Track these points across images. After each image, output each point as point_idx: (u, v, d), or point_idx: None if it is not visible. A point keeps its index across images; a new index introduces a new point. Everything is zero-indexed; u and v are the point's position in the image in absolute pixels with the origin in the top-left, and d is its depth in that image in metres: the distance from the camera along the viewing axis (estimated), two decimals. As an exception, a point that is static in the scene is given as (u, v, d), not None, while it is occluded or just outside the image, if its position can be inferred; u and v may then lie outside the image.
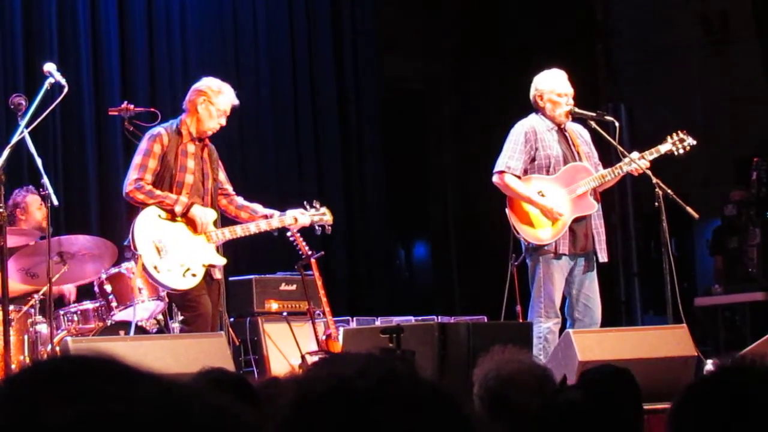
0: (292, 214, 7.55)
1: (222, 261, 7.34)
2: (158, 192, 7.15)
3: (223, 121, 7.37)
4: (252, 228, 7.45)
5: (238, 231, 7.40)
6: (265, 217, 7.53)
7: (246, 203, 7.61)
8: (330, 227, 7.74)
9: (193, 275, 7.17)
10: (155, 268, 7.11)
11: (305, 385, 1.46)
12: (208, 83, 7.40)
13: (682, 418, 1.93)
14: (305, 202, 7.75)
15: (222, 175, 7.56)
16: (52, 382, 1.16)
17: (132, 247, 7.23)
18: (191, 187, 7.26)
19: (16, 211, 8.39)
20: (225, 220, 7.59)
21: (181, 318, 7.41)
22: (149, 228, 7.16)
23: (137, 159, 7.24)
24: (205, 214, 7.21)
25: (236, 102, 7.42)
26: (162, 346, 6.45)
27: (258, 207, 7.60)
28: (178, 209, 7.13)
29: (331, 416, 1.41)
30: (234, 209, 7.55)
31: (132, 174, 7.20)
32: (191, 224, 7.25)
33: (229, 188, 7.61)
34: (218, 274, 7.39)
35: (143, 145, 7.26)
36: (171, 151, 7.21)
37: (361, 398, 1.41)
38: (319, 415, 1.41)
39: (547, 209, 7.57)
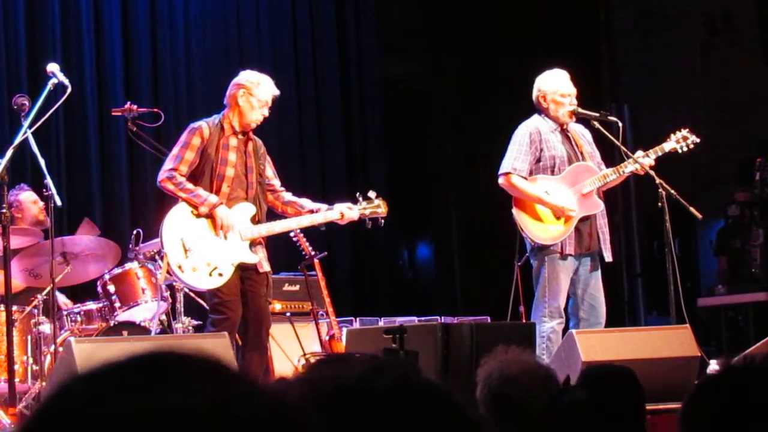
0: (339, 208, 7.46)
1: (254, 258, 7.20)
2: (190, 186, 7.07)
3: (266, 112, 7.30)
4: (292, 224, 7.38)
5: (276, 228, 7.30)
6: (311, 212, 7.45)
7: (293, 198, 7.52)
8: (383, 220, 7.56)
9: (220, 274, 7.07)
10: (179, 267, 7.05)
11: (318, 385, 1.46)
12: (247, 76, 7.35)
13: (693, 416, 1.93)
14: (358, 194, 7.57)
15: (269, 171, 7.48)
16: (125, 373, 1.16)
17: (160, 245, 7.20)
18: (233, 180, 7.18)
19: (11, 211, 8.39)
20: (270, 215, 7.50)
21: (209, 319, 7.32)
22: (178, 225, 7.09)
23: (175, 150, 7.18)
24: (228, 216, 7.10)
25: (277, 92, 7.34)
26: (164, 346, 6.44)
27: (306, 202, 7.50)
28: (203, 210, 7.07)
29: (343, 416, 1.41)
30: (281, 204, 7.48)
31: (168, 164, 7.14)
32: None
33: (277, 183, 7.52)
34: (266, 267, 7.28)
35: (183, 137, 7.20)
36: (212, 144, 7.15)
37: (376, 400, 1.41)
38: (331, 414, 1.41)
39: (558, 207, 7.57)
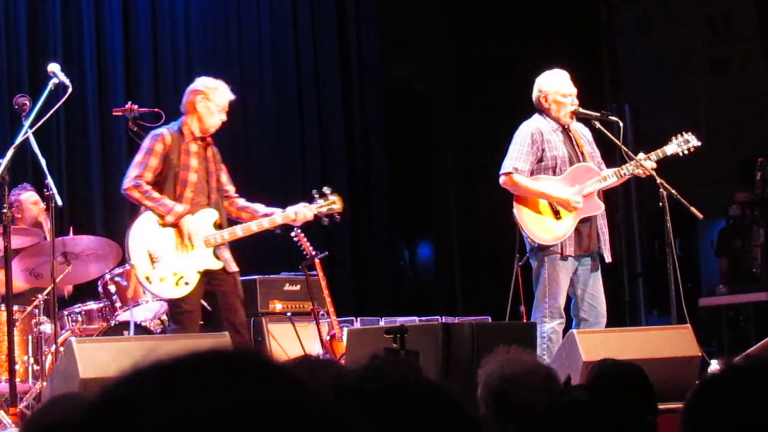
0: (292, 209, 7.51)
1: (218, 264, 7.26)
2: (156, 195, 7.13)
3: (224, 117, 7.38)
4: (253, 227, 7.42)
5: (239, 232, 7.36)
6: (267, 216, 7.50)
7: (247, 204, 7.59)
8: (339, 215, 7.61)
9: (186, 283, 7.15)
10: (147, 278, 7.12)
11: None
12: (204, 82, 7.45)
13: (695, 416, 1.93)
14: (314, 191, 7.62)
15: (224, 177, 7.55)
16: (199, 371, 1.16)
17: (126, 257, 7.24)
18: (195, 186, 7.25)
19: (11, 211, 8.39)
20: (230, 221, 7.56)
21: (169, 327, 7.39)
22: (144, 236, 7.16)
23: (138, 157, 7.25)
24: (195, 227, 7.17)
25: (232, 97, 7.45)
26: (166, 347, 6.44)
27: (260, 207, 7.57)
28: (169, 219, 7.13)
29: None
30: (235, 210, 7.53)
31: (132, 171, 7.21)
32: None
33: (231, 190, 7.59)
34: (234, 267, 7.33)
35: (145, 144, 7.27)
36: (174, 150, 7.21)
37: (371, 399, 1.41)
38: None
39: (563, 200, 7.55)
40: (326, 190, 7.62)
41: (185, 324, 7.15)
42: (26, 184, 8.61)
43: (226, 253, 7.33)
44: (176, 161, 7.21)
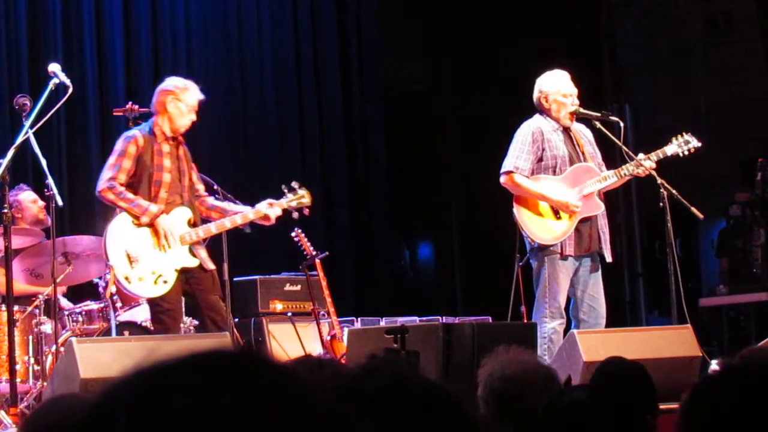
0: (263, 204, 7.51)
1: (195, 262, 7.30)
2: (130, 196, 7.17)
3: (194, 117, 7.43)
4: (227, 224, 7.44)
5: (213, 228, 7.41)
6: (238, 213, 7.52)
7: (217, 203, 7.62)
8: (309, 209, 7.64)
9: (165, 282, 7.19)
10: (126, 278, 7.15)
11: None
12: (174, 82, 7.49)
13: (692, 416, 1.93)
14: (283, 186, 7.64)
15: (194, 176, 7.59)
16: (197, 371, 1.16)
17: (105, 258, 7.26)
18: (169, 186, 7.30)
19: (11, 211, 8.39)
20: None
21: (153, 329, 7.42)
22: (121, 237, 7.19)
23: (111, 159, 7.28)
24: (170, 226, 7.22)
25: (202, 97, 7.49)
26: (166, 346, 6.44)
27: (229, 205, 7.60)
28: (144, 220, 7.17)
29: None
30: (205, 209, 7.57)
31: (106, 173, 7.24)
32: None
33: (201, 188, 7.63)
34: (210, 265, 7.37)
35: (118, 146, 7.31)
36: (146, 151, 7.26)
37: (370, 399, 1.41)
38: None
39: (562, 203, 7.56)
40: (295, 184, 7.66)
41: (167, 323, 7.19)
42: (23, 184, 8.61)
43: (203, 252, 7.37)
44: (149, 162, 7.25)
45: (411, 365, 1.50)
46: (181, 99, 7.36)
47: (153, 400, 1.11)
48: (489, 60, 12.80)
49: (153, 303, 7.26)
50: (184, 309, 8.23)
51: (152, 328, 7.40)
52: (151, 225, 7.20)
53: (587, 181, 7.65)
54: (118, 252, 7.16)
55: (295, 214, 7.62)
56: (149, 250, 7.20)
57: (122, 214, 7.21)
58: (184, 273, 7.27)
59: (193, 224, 7.35)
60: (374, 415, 1.41)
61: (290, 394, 1.14)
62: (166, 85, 7.46)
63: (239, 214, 7.45)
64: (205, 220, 7.50)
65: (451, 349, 6.59)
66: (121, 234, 7.18)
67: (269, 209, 7.45)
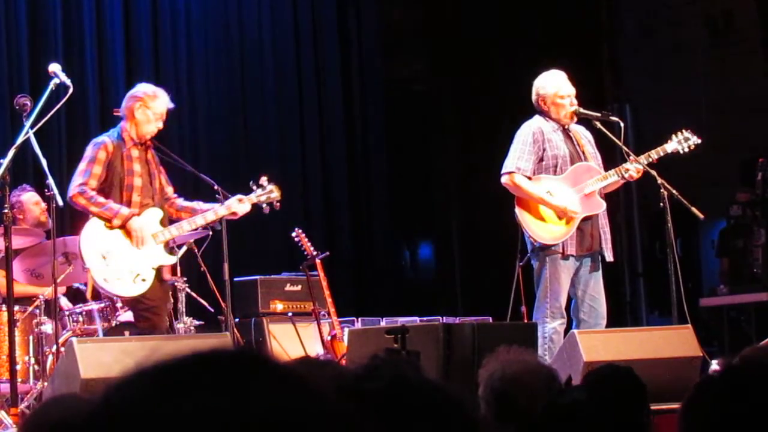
0: (229, 203, 7.54)
1: (172, 260, 7.44)
2: (101, 200, 7.25)
3: (161, 125, 7.52)
4: (198, 221, 7.51)
5: (185, 226, 7.49)
6: (209, 210, 7.57)
7: (186, 203, 7.68)
8: (279, 203, 7.71)
9: (143, 280, 7.26)
10: (105, 279, 7.21)
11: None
12: (144, 89, 7.60)
13: (692, 416, 1.93)
14: (251, 182, 7.72)
15: (163, 179, 7.66)
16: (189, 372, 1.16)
17: (81, 261, 7.30)
18: (141, 189, 7.41)
19: (13, 212, 8.39)
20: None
21: (136, 330, 7.44)
22: (95, 240, 7.26)
23: (81, 165, 7.38)
24: (143, 227, 7.30)
25: (171, 105, 7.61)
26: (166, 346, 6.44)
27: (198, 204, 7.65)
28: (116, 222, 7.24)
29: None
30: (175, 211, 7.66)
31: (76, 179, 7.33)
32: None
33: (170, 191, 7.70)
34: (167, 275, 7.49)
35: (88, 152, 7.41)
36: (116, 157, 7.36)
37: (371, 399, 1.41)
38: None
39: (561, 209, 7.56)
40: (263, 180, 7.73)
41: (152, 319, 7.26)
42: (26, 185, 8.61)
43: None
44: (120, 168, 7.36)
45: (412, 365, 1.50)
46: (149, 106, 7.47)
47: (155, 401, 1.11)
48: (489, 60, 12.79)
49: (135, 302, 7.31)
50: (185, 309, 8.24)
51: (138, 326, 7.42)
52: (124, 227, 7.27)
53: (588, 180, 7.65)
54: (94, 254, 7.23)
55: (266, 208, 7.69)
56: (124, 250, 7.27)
57: (92, 220, 7.30)
58: (160, 271, 7.39)
59: (165, 224, 7.47)
60: (376, 414, 1.41)
61: (292, 393, 1.14)
62: (135, 91, 7.59)
63: (210, 210, 7.51)
64: (176, 222, 7.58)
65: (452, 349, 6.59)
66: (96, 236, 7.26)
67: (238, 205, 7.50)
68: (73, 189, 7.27)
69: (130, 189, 7.34)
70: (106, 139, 7.40)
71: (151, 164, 7.51)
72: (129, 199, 7.32)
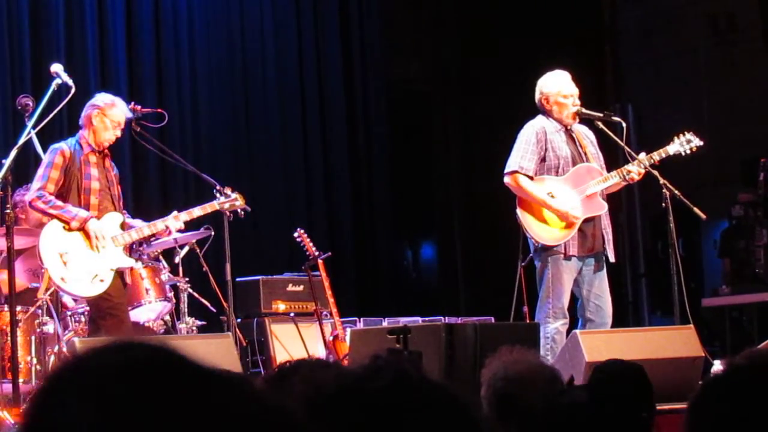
0: (165, 221, 7.59)
1: (130, 263, 7.51)
2: (59, 203, 7.32)
3: (119, 133, 7.60)
4: (159, 225, 7.58)
5: (145, 230, 7.58)
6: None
7: (129, 221, 7.69)
8: (243, 211, 7.80)
9: (101, 280, 7.31)
10: (62, 279, 7.27)
11: (319, 385, 1.46)
12: (102, 98, 7.67)
13: (698, 417, 1.93)
14: (215, 189, 7.81)
15: (119, 191, 7.73)
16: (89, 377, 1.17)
17: (39, 261, 7.33)
18: (99, 192, 7.50)
19: (15, 211, 8.39)
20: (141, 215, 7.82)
21: (101, 327, 7.45)
22: (54, 240, 7.31)
23: (40, 171, 7.46)
24: (101, 229, 7.36)
25: (130, 115, 7.69)
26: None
27: (139, 222, 7.68)
28: (74, 225, 7.31)
29: (342, 416, 1.41)
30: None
31: (35, 184, 7.42)
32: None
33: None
34: (128, 279, 7.55)
35: (46, 158, 7.50)
36: (73, 162, 7.44)
37: (373, 399, 1.41)
38: (331, 414, 1.41)
39: (562, 213, 7.55)
40: (227, 190, 7.83)
41: (119, 315, 7.32)
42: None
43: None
44: (77, 172, 7.45)
45: (415, 365, 1.50)
46: (106, 114, 7.55)
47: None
48: (491, 60, 12.80)
49: (96, 302, 7.32)
50: (186, 310, 8.25)
51: (104, 324, 7.41)
52: (82, 229, 7.32)
53: (590, 182, 7.64)
54: (52, 255, 7.28)
55: (229, 215, 7.75)
56: (83, 251, 7.34)
57: (52, 221, 7.36)
58: (119, 273, 7.43)
59: (124, 229, 7.54)
60: (378, 415, 1.41)
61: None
62: (94, 100, 7.66)
63: (160, 219, 7.60)
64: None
65: (454, 349, 6.59)
66: (54, 237, 7.32)
67: (173, 222, 7.57)
68: (31, 194, 7.39)
69: (88, 192, 7.44)
70: (64, 145, 7.50)
71: (109, 171, 7.60)
72: (87, 202, 7.42)
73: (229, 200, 7.75)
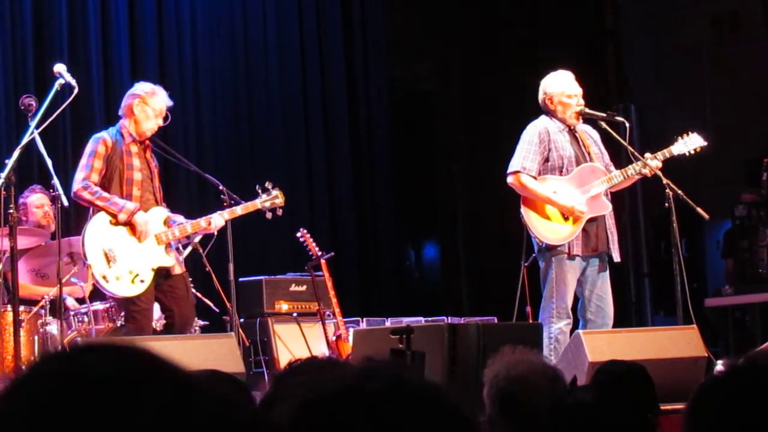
0: (209, 218, 7.53)
1: (170, 262, 7.41)
2: (106, 194, 7.27)
3: (161, 122, 7.55)
4: (202, 223, 7.51)
5: (188, 228, 7.50)
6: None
7: (170, 215, 7.64)
8: (281, 210, 7.75)
9: (142, 281, 7.27)
10: (104, 277, 7.22)
11: (316, 387, 1.46)
12: (142, 87, 7.62)
13: (698, 417, 1.92)
14: (257, 187, 7.77)
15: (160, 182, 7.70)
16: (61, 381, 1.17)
17: (83, 257, 7.30)
18: (141, 183, 7.42)
19: (18, 212, 8.40)
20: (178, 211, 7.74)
21: (124, 329, 7.45)
22: (99, 236, 7.27)
23: (83, 160, 7.39)
24: (147, 222, 7.31)
25: (170, 103, 7.63)
26: (172, 347, 6.45)
27: (180, 218, 7.63)
28: (122, 218, 7.26)
29: (340, 418, 1.41)
30: None
31: (79, 175, 7.35)
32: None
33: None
34: (178, 269, 7.47)
35: (87, 148, 7.43)
36: (115, 152, 7.37)
37: (371, 401, 1.41)
38: (329, 416, 1.41)
39: (568, 208, 7.55)
40: (268, 185, 7.79)
41: (141, 322, 7.27)
42: (36, 185, 8.63)
43: (173, 254, 7.48)
44: (119, 162, 7.37)
45: (410, 367, 1.50)
46: (148, 103, 7.49)
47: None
48: (494, 60, 12.80)
49: (128, 302, 7.30)
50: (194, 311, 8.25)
51: (126, 325, 7.42)
52: (128, 223, 7.27)
53: (594, 182, 7.64)
54: (96, 251, 7.24)
55: (269, 214, 7.72)
56: (126, 249, 7.28)
57: (99, 214, 7.29)
58: (158, 273, 7.35)
59: (168, 224, 7.47)
60: (374, 417, 1.41)
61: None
62: (134, 89, 7.61)
63: (206, 217, 7.51)
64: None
65: (457, 349, 6.59)
66: (99, 233, 7.26)
67: (218, 218, 7.50)
68: (77, 184, 7.28)
69: (130, 183, 7.35)
70: (105, 134, 7.44)
71: (151, 162, 7.53)
72: (129, 192, 7.33)
73: (270, 198, 7.69)
